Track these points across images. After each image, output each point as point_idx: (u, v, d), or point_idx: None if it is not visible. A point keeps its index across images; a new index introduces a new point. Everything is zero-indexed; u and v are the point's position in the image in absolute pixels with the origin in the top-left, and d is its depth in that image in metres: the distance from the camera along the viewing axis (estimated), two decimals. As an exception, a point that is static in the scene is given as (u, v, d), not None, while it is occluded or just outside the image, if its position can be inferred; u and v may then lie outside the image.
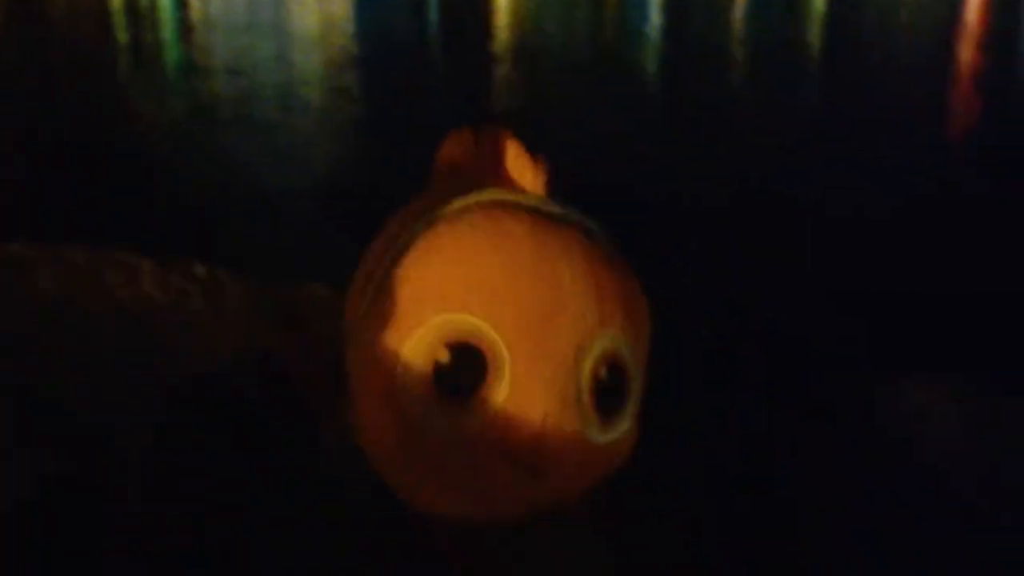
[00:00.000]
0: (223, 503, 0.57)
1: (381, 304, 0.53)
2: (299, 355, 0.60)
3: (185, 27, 8.88)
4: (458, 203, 0.54)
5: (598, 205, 0.59)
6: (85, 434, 0.64)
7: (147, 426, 0.63)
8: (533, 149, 0.57)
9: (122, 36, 8.60)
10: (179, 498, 0.58)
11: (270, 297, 0.80)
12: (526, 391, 0.50)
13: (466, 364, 0.50)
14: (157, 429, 0.62)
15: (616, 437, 0.53)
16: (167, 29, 8.97)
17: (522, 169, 0.56)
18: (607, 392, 0.52)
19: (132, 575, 0.53)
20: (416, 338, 0.51)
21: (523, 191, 0.56)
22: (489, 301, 0.51)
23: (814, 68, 7.25)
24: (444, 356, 0.51)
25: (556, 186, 0.57)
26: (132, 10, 9.72)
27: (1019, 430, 0.68)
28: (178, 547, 0.55)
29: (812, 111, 5.45)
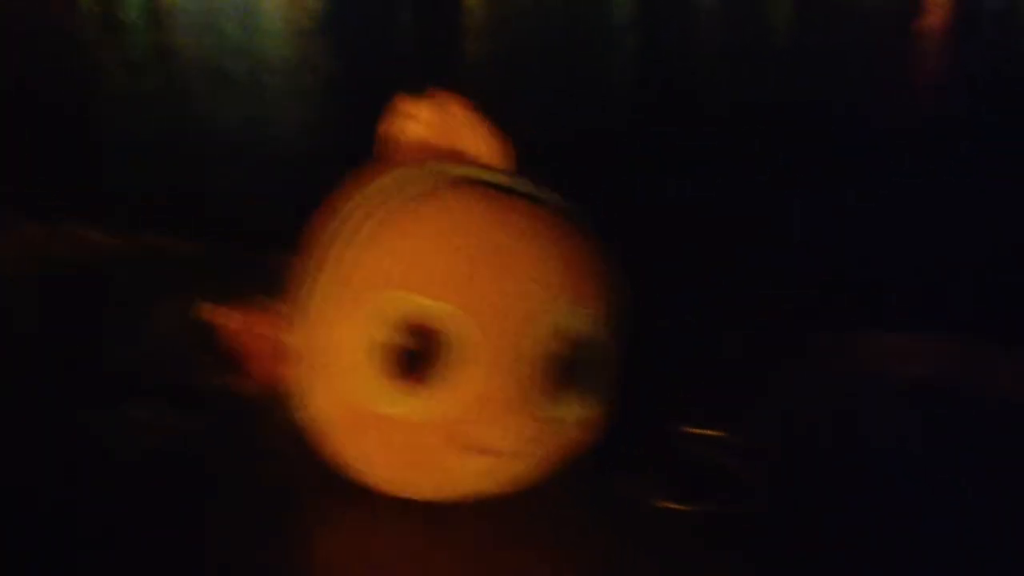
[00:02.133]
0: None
1: (332, 285, 0.51)
2: (241, 329, 0.57)
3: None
4: (415, 180, 0.52)
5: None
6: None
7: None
8: (494, 119, 0.54)
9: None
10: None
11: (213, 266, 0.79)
12: (479, 372, 0.49)
13: (418, 345, 0.49)
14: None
15: (580, 415, 0.52)
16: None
17: (481, 143, 0.54)
18: (566, 370, 0.51)
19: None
20: (368, 319, 0.50)
21: (484, 167, 0.54)
22: (444, 282, 0.49)
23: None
24: (396, 337, 0.49)
25: (523, 162, 0.55)
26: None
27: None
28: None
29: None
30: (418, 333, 0.49)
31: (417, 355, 0.49)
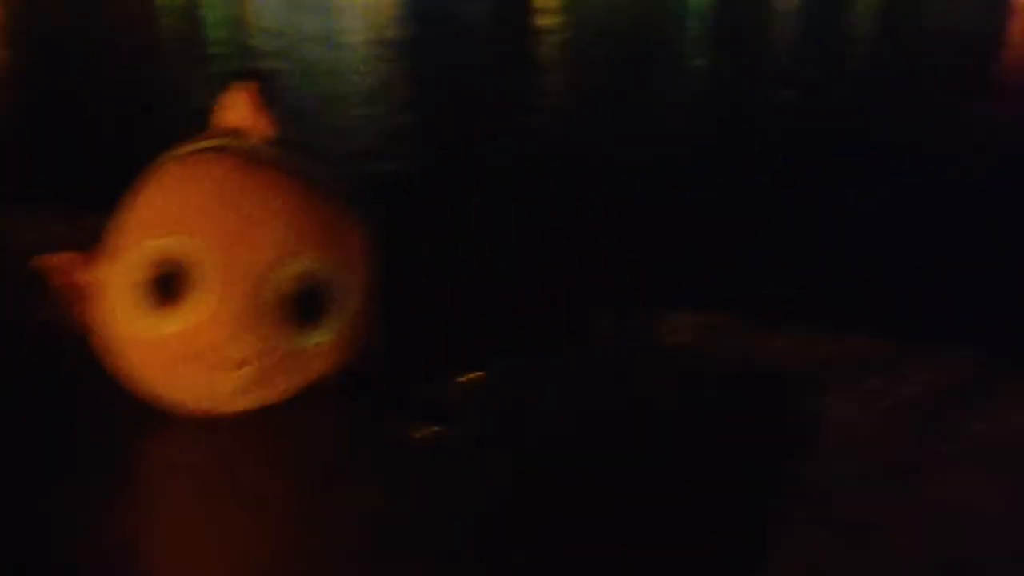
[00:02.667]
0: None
1: (116, 232, 0.64)
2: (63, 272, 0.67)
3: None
4: (182, 149, 0.65)
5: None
6: None
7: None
8: (271, 99, 0.66)
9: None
10: None
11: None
12: (217, 302, 0.60)
13: (168, 280, 0.60)
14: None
15: (310, 344, 0.63)
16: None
17: (249, 118, 0.66)
18: (299, 305, 0.62)
19: None
20: (129, 257, 0.62)
21: (245, 136, 0.65)
22: (189, 227, 0.61)
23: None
24: (150, 273, 0.61)
25: (286, 132, 0.66)
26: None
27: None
28: None
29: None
30: (171, 268, 0.60)
31: (168, 285, 0.60)
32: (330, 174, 0.68)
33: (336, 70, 6.21)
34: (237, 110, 0.67)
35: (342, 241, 0.65)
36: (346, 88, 5.56)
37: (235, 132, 0.66)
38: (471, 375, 0.73)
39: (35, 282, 0.67)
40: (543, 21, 7.59)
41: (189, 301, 0.60)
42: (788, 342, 0.81)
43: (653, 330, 0.84)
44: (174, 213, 0.61)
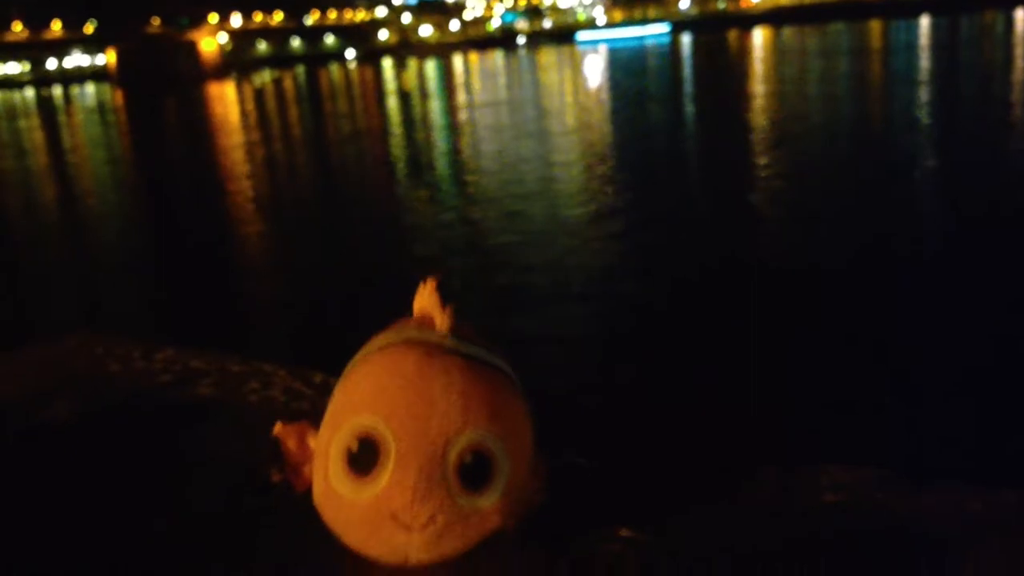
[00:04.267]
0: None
1: (330, 410, 0.79)
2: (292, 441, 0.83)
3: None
4: (379, 341, 0.80)
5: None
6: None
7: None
8: (446, 295, 0.80)
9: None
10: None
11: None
12: (404, 471, 0.73)
13: (367, 452, 0.75)
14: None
15: (485, 505, 0.75)
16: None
17: (432, 311, 0.80)
18: (473, 471, 0.74)
19: None
20: (340, 430, 0.77)
21: (430, 329, 0.79)
22: (383, 408, 0.75)
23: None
24: (354, 446, 0.75)
25: (463, 323, 0.80)
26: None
27: None
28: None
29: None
30: (367, 443, 0.74)
31: (367, 457, 0.74)
32: (500, 355, 0.81)
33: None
34: (423, 304, 0.81)
35: (507, 416, 0.77)
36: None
37: (423, 323, 0.80)
38: (634, 530, 0.82)
39: (271, 445, 0.82)
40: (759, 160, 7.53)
41: (382, 473, 0.74)
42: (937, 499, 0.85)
43: (810, 487, 0.89)
44: (372, 398, 0.76)
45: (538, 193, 6.70)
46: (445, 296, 0.80)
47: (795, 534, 0.82)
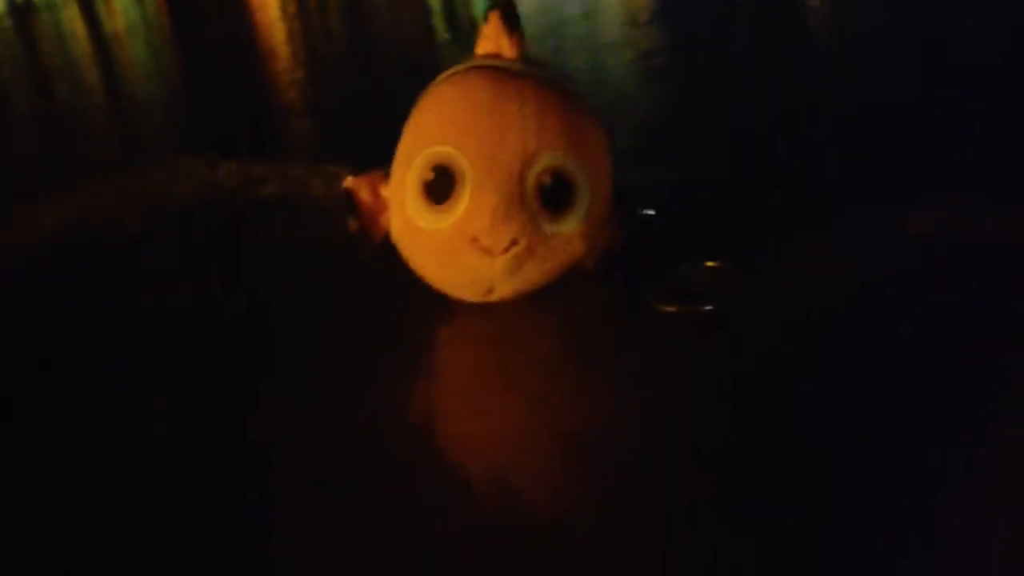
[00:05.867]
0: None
1: (399, 146, 0.77)
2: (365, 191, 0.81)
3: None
4: (448, 71, 0.77)
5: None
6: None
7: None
8: (513, 22, 0.76)
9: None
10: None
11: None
12: (482, 195, 0.71)
13: (444, 180, 0.72)
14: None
15: (566, 230, 0.73)
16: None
17: (499, 40, 0.76)
18: (553, 194, 0.72)
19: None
20: (414, 165, 0.74)
21: (498, 55, 0.76)
22: (456, 134, 0.72)
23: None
24: (429, 175, 0.73)
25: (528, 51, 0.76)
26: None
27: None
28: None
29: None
30: (442, 171, 0.72)
31: (443, 186, 0.72)
32: (571, 84, 0.77)
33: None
34: (489, 35, 0.77)
35: (584, 140, 0.74)
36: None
37: (491, 54, 0.77)
38: (717, 260, 0.80)
39: (343, 199, 0.81)
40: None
41: (459, 199, 0.72)
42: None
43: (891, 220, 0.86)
44: (443, 126, 0.74)
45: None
46: (512, 23, 0.76)
47: (877, 267, 0.79)
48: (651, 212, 0.87)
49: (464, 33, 7.50)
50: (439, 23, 9.24)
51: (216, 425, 0.69)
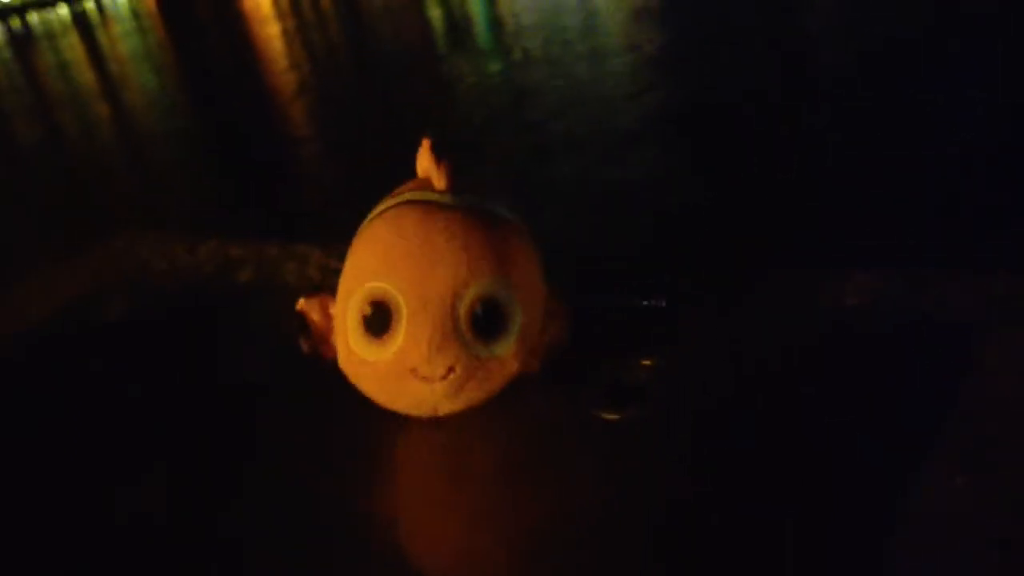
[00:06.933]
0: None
1: (343, 279, 0.81)
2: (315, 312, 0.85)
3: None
4: (383, 205, 0.81)
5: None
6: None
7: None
8: (442, 152, 0.80)
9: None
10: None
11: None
12: (417, 328, 0.75)
13: (381, 315, 0.77)
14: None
15: (500, 353, 0.77)
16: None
17: (430, 170, 0.80)
18: (485, 321, 0.76)
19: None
20: (353, 299, 0.79)
21: (429, 187, 0.80)
22: (388, 270, 0.76)
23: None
24: (368, 310, 0.77)
25: (462, 178, 0.80)
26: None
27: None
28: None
29: None
30: (379, 306, 0.76)
31: (381, 319, 0.76)
32: (503, 204, 0.81)
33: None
34: (423, 164, 0.81)
35: (513, 264, 0.78)
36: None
37: (422, 183, 0.81)
38: (652, 358, 0.84)
39: (295, 319, 0.85)
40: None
41: (397, 332, 0.76)
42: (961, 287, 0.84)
43: (828, 292, 0.89)
44: (377, 262, 0.78)
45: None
46: (441, 154, 0.80)
47: (812, 339, 0.83)
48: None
49: (467, 50, 7.55)
50: (440, 39, 9.29)
51: (184, 515, 0.76)
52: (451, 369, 0.75)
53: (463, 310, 0.75)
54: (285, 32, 11.52)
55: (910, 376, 0.76)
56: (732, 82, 5.33)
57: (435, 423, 0.81)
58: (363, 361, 0.78)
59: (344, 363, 0.81)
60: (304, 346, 0.84)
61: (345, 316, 0.80)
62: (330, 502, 0.75)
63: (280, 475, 0.79)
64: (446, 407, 0.78)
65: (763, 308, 0.90)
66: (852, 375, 0.77)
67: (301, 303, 0.84)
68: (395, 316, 0.76)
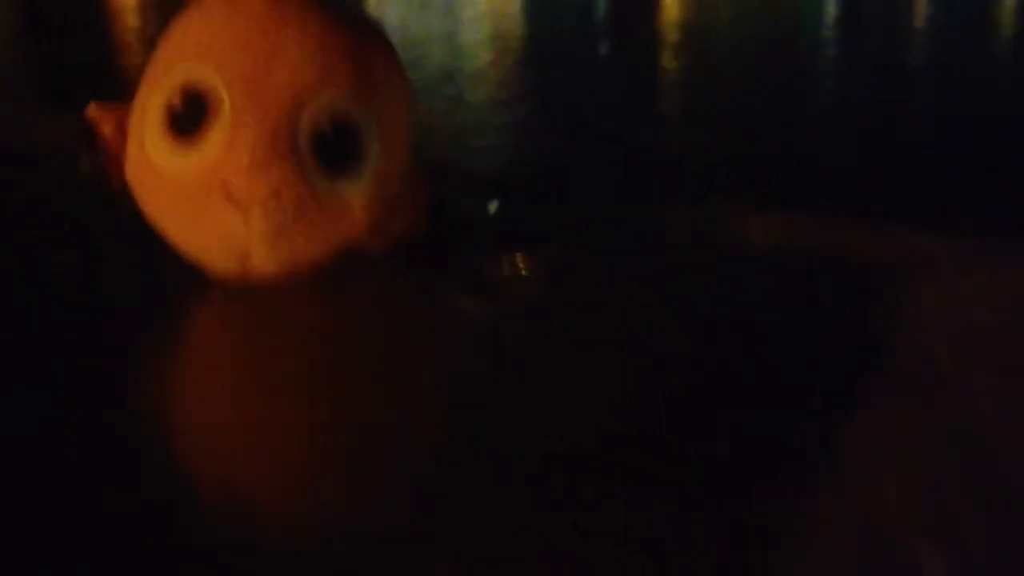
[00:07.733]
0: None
1: (148, 66, 0.61)
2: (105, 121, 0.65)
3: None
4: None
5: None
6: None
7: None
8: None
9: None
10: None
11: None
12: (239, 129, 0.56)
13: (194, 109, 0.57)
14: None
15: (345, 193, 0.59)
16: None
17: None
18: (332, 143, 0.58)
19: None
20: (159, 87, 0.59)
21: None
22: (216, 55, 0.57)
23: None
24: (177, 102, 0.58)
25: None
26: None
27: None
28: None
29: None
30: (194, 97, 0.57)
31: (193, 115, 0.57)
32: (379, 27, 0.64)
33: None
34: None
35: (378, 84, 0.60)
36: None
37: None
38: (521, 253, 0.68)
39: (83, 131, 0.65)
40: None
41: (211, 133, 0.57)
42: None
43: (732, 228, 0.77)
44: (205, 42, 0.58)
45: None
46: None
47: (703, 273, 0.70)
48: (493, 204, 0.74)
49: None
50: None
51: None
52: (276, 192, 0.56)
53: (305, 120, 0.57)
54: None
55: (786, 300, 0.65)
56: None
57: (243, 293, 0.61)
58: (161, 171, 0.58)
59: (133, 175, 0.61)
60: (84, 162, 0.64)
61: (145, 111, 0.59)
62: (96, 386, 0.54)
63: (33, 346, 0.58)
64: (261, 256, 0.58)
65: (651, 233, 0.77)
66: (733, 298, 0.65)
67: (92, 109, 0.64)
68: (211, 112, 0.57)
